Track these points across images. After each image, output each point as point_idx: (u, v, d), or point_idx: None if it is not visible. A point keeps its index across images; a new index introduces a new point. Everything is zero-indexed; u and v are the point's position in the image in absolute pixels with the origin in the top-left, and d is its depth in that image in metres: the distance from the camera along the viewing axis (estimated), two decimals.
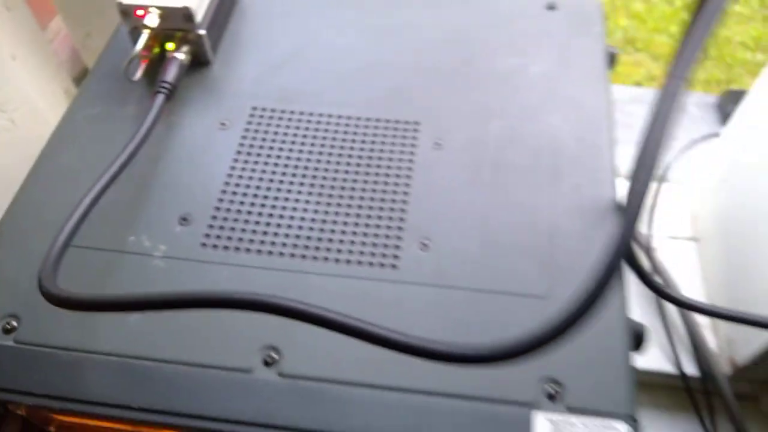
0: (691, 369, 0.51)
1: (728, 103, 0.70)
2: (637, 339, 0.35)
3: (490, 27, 0.51)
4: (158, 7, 0.45)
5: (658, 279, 0.54)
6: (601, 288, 0.22)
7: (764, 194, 0.47)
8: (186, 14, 0.45)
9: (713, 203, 0.54)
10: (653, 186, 0.62)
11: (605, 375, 0.33)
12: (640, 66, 3.05)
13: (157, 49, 0.47)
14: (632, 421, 0.32)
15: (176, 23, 0.46)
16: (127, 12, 0.45)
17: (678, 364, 0.51)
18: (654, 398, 0.53)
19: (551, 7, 0.51)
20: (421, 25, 0.51)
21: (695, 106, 0.73)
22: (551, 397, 0.32)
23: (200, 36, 0.47)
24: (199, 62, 0.49)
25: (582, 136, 0.43)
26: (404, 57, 0.49)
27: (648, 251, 0.54)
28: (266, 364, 0.34)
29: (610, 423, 0.31)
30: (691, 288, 0.54)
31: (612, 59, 0.49)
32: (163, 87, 0.44)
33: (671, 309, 0.53)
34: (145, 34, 0.45)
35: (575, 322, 0.22)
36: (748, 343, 0.47)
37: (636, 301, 0.54)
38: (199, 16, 0.46)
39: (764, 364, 0.47)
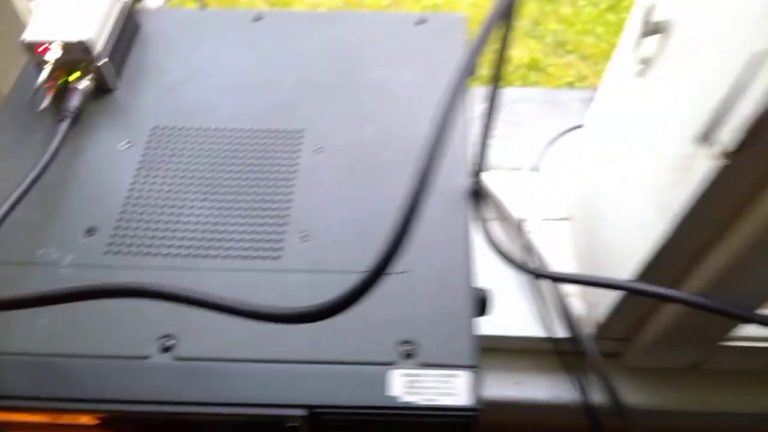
0: (563, 334, 0.58)
1: None
2: (482, 304, 0.41)
3: (366, 42, 0.57)
4: (58, 42, 0.49)
5: (532, 257, 0.60)
6: (391, 251, 0.28)
7: (608, 176, 0.54)
8: (84, 48, 0.50)
9: (578, 186, 0.61)
10: (527, 174, 0.69)
11: (453, 335, 0.39)
12: (571, 67, 3.19)
13: (63, 79, 0.51)
14: (474, 369, 0.38)
15: (77, 55, 0.50)
16: (30, 48, 0.50)
17: (551, 330, 0.58)
18: (536, 363, 0.59)
19: (421, 22, 0.58)
20: (304, 43, 0.57)
21: (578, 101, 0.81)
22: (408, 356, 0.38)
23: (100, 66, 0.51)
24: (103, 89, 0.53)
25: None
26: (289, 73, 0.55)
27: (520, 233, 0.60)
28: (164, 350, 0.39)
29: (455, 372, 0.37)
30: (564, 262, 0.60)
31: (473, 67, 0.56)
32: (66, 114, 0.49)
33: (546, 284, 0.60)
34: (48, 67, 0.49)
35: (369, 284, 0.28)
36: (603, 303, 0.54)
37: (516, 282, 0.60)
38: (98, 47, 0.51)
39: (619, 320, 0.54)
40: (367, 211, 0.46)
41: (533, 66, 3.12)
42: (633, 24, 0.46)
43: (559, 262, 0.60)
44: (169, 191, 0.47)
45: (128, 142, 0.50)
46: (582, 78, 3.13)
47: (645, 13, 0.41)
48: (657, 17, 0.41)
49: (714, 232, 0.43)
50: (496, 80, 0.42)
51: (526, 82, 3.03)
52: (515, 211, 0.61)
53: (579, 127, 0.64)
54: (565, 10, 3.44)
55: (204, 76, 0.55)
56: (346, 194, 0.47)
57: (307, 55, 0.56)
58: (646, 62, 0.43)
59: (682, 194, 0.39)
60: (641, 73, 0.44)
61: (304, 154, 0.49)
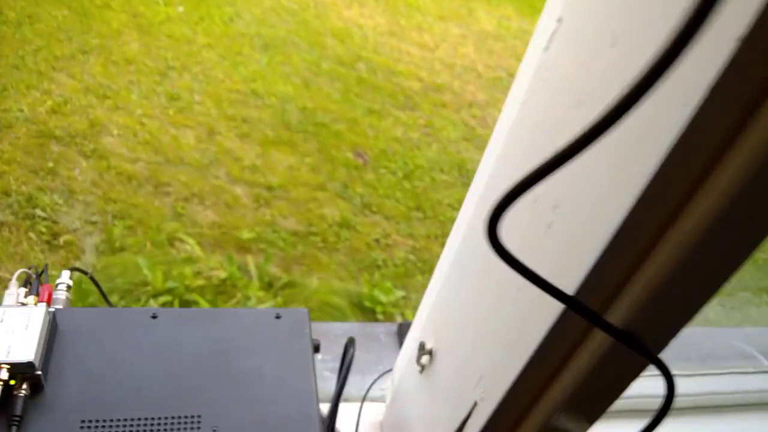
0: None
1: (403, 332, 1.10)
2: None
3: (239, 335, 0.80)
4: (6, 363, 0.65)
5: None
6: None
7: (403, 415, 0.82)
8: (30, 365, 0.66)
9: (390, 417, 0.89)
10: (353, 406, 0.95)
11: None
12: (377, 225, 3.69)
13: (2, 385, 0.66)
14: None
15: (20, 370, 0.66)
16: None
17: None
18: None
19: (278, 317, 0.83)
20: (192, 338, 0.78)
21: (384, 335, 1.11)
22: None
23: (39, 374, 0.67)
24: (36, 389, 0.68)
25: (296, 407, 0.73)
26: (182, 364, 0.75)
27: None
28: None
29: None
30: None
31: (317, 347, 0.82)
32: (15, 420, 0.64)
33: None
34: None
35: None
36: None
37: None
38: (37, 361, 0.67)
39: None
40: None
41: (344, 224, 3.56)
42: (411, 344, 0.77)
43: None
44: None
45: None
46: (386, 235, 3.64)
47: (420, 343, 0.72)
48: (428, 347, 0.71)
49: None
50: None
51: (339, 239, 3.44)
52: None
53: (390, 370, 0.93)
54: (369, 176, 4.02)
55: (115, 370, 0.73)
56: None
57: (195, 348, 0.77)
58: (423, 367, 0.73)
59: None
60: (420, 372, 0.74)
61: None
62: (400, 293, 3.11)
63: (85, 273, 0.88)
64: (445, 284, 0.68)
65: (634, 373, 0.50)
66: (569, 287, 0.45)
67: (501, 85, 5.40)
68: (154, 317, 0.79)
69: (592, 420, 0.56)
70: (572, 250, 0.44)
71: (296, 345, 0.80)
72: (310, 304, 2.90)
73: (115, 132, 3.56)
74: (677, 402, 0.46)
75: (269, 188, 3.54)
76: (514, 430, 0.56)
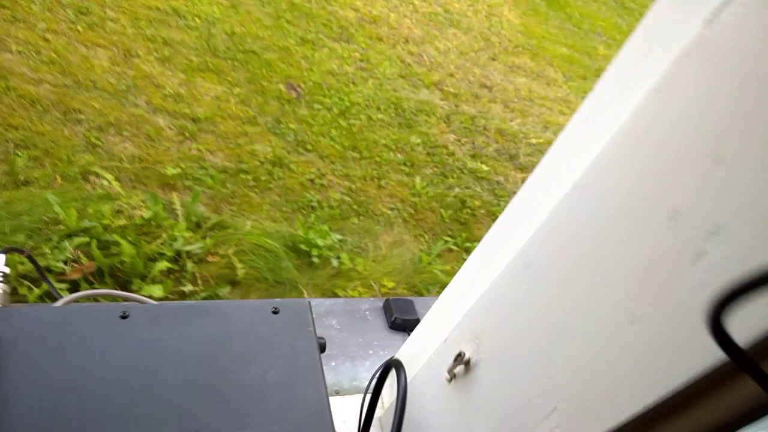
0: None
1: (390, 308, 1.00)
2: None
3: (232, 337, 0.66)
4: None
5: None
6: None
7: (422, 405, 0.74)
8: None
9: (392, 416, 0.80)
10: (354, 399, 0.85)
11: None
12: (311, 164, 3.52)
13: None
14: None
15: None
16: None
17: None
18: None
19: (275, 311, 0.70)
20: (177, 341, 0.63)
21: (369, 312, 1.01)
22: None
23: None
24: None
25: (308, 426, 0.62)
26: (169, 374, 0.61)
27: None
28: None
29: None
30: None
31: (323, 347, 0.70)
32: None
33: None
34: None
35: None
36: None
37: None
38: None
39: None
40: None
41: (277, 162, 3.36)
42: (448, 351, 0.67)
43: None
44: None
45: None
46: (321, 175, 3.49)
47: (457, 354, 0.62)
48: (466, 357, 0.61)
49: None
50: None
51: (271, 178, 3.25)
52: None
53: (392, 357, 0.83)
54: (303, 111, 3.80)
55: (80, 388, 0.57)
56: None
57: (180, 355, 0.63)
58: (453, 376, 0.64)
59: None
60: (449, 381, 0.65)
61: None
62: (336, 236, 3.00)
63: (21, 252, 0.70)
64: (498, 289, 0.57)
65: (757, 419, 0.43)
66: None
67: (437, 21, 5.23)
68: (124, 317, 0.63)
69: None
70: None
71: (300, 346, 0.68)
72: (242, 247, 2.74)
73: (14, 48, 3.10)
74: None
75: (195, 120, 3.25)
76: None
